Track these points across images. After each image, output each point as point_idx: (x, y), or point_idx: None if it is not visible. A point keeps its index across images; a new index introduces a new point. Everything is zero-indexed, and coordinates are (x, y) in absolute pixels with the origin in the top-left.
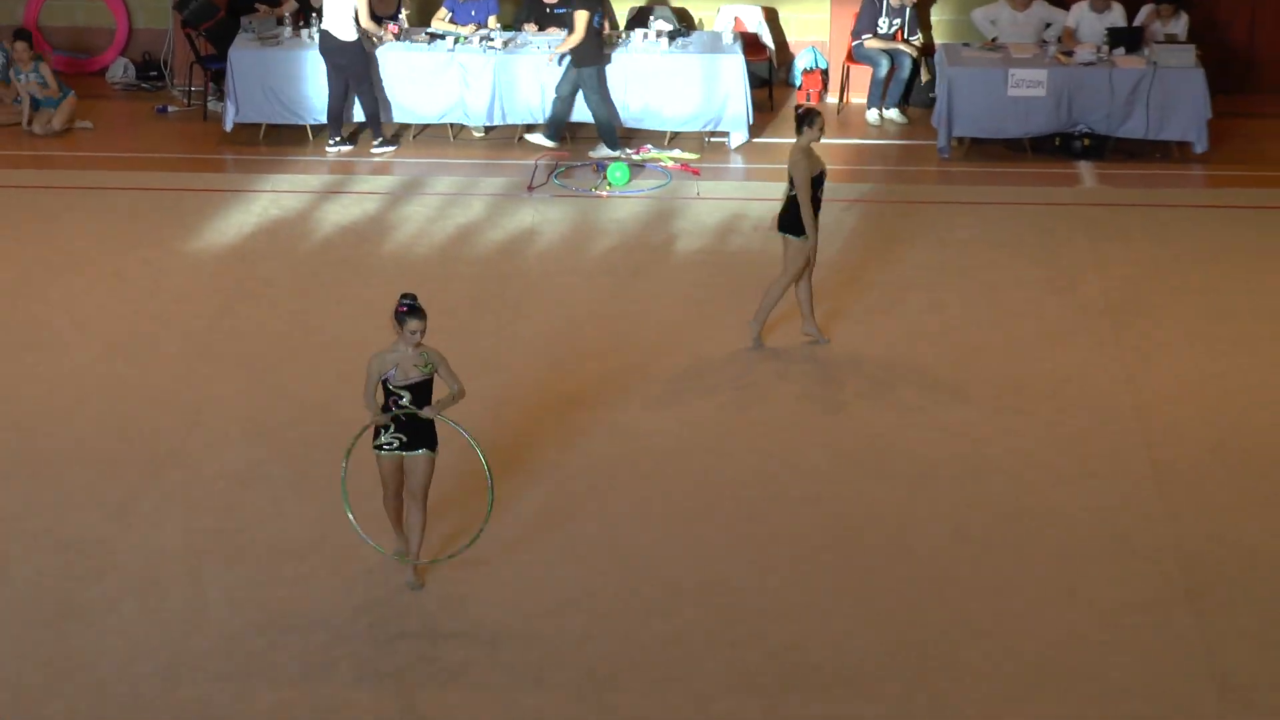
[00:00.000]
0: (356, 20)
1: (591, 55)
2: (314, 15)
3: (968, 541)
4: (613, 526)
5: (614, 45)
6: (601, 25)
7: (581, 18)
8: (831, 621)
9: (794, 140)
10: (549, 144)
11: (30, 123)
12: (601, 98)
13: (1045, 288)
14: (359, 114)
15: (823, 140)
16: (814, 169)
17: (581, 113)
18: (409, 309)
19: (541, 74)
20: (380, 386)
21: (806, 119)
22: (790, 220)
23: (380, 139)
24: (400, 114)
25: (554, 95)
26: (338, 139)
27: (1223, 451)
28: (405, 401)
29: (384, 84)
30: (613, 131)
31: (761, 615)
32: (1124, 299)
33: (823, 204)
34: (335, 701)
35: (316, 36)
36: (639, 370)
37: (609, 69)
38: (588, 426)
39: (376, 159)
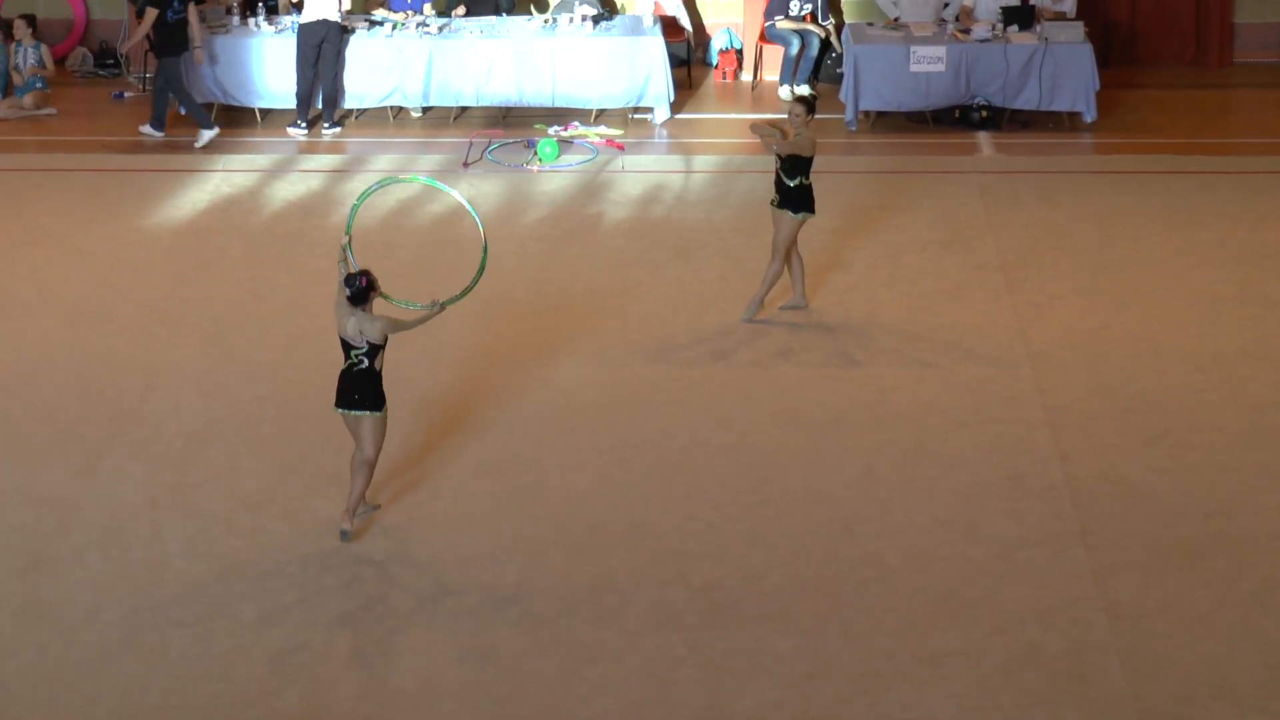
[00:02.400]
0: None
1: (170, 47)
2: (291, 7)
3: (875, 484)
4: (545, 476)
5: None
6: (182, 15)
7: (150, 15)
8: (749, 561)
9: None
10: (156, 134)
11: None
12: (180, 84)
13: (944, 249)
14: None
15: (741, 116)
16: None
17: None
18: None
19: (473, 56)
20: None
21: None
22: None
23: (330, 120)
24: (344, 99)
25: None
26: (305, 122)
27: (1109, 396)
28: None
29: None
30: (191, 109)
31: (685, 556)
32: (1017, 257)
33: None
34: (290, 644)
35: (295, 26)
36: (568, 330)
37: (538, 51)
38: (520, 383)
39: (325, 139)
